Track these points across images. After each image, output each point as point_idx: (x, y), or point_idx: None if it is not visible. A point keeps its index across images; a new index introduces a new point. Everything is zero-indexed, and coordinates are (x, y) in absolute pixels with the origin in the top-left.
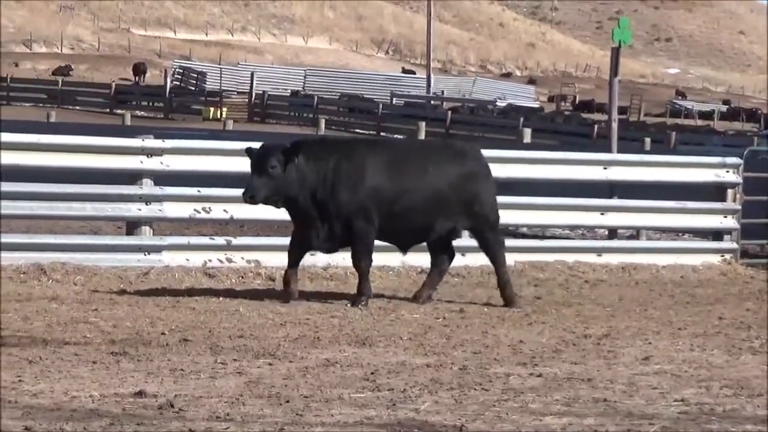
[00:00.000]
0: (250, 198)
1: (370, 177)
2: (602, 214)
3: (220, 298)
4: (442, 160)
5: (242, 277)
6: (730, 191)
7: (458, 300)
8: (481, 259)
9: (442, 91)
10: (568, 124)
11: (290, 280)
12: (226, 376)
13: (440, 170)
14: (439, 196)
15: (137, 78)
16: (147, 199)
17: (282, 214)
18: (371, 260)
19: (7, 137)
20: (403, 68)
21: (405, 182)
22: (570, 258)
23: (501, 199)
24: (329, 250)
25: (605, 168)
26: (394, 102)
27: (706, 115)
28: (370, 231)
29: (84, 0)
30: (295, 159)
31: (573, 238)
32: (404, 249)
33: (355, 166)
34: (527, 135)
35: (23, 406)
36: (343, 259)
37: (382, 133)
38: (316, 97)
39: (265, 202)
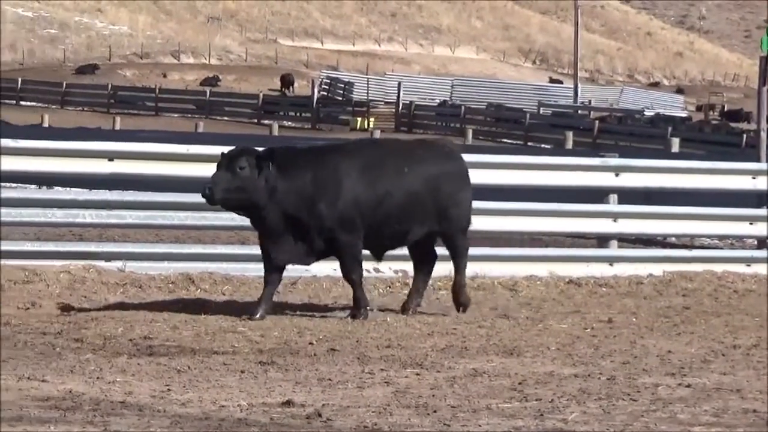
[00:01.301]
0: (208, 190)
1: (350, 186)
2: (751, 223)
3: (367, 308)
4: (418, 161)
5: (389, 287)
6: None
7: (606, 310)
8: (630, 269)
9: (590, 101)
10: (717, 134)
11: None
12: (373, 386)
13: (416, 172)
14: (416, 199)
15: (285, 89)
16: None
17: None
18: (362, 270)
19: (160, 148)
20: (550, 78)
21: (383, 187)
22: (719, 268)
23: (650, 209)
24: (304, 264)
25: (754, 177)
26: (541, 112)
27: None
28: (357, 241)
29: (232, 11)
30: (269, 165)
31: (722, 248)
32: (379, 256)
33: (333, 175)
34: (675, 144)
35: (172, 415)
36: (490, 269)
37: (529, 143)
38: (463, 107)
39: (225, 204)
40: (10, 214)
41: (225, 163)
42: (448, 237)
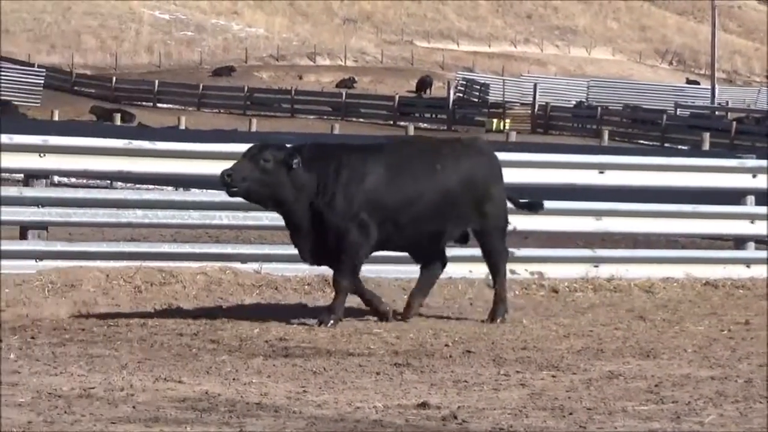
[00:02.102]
0: (227, 177)
1: (368, 185)
2: None
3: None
4: (450, 159)
5: (525, 289)
6: None
7: (743, 312)
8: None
9: (727, 102)
10: None
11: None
12: (509, 388)
13: (449, 170)
14: (448, 198)
15: (422, 92)
16: None
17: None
18: (354, 278)
19: None
20: (687, 79)
21: (410, 187)
22: None
23: None
24: (317, 264)
25: None
26: (678, 113)
27: None
28: (362, 246)
29: (368, 13)
30: (296, 162)
31: None
32: (418, 258)
33: (354, 173)
34: None
35: (307, 417)
36: (626, 270)
37: (665, 144)
38: (599, 108)
39: (244, 194)
40: (147, 216)
41: (249, 154)
42: (482, 237)
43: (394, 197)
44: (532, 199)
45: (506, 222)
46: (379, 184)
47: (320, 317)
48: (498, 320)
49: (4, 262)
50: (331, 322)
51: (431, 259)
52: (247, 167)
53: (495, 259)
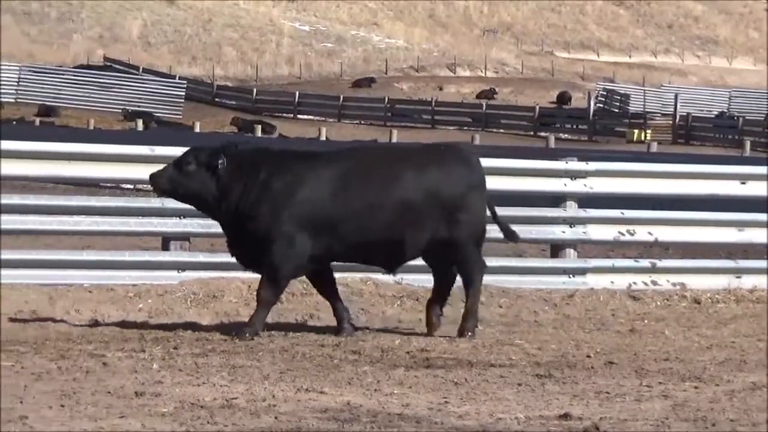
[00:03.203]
0: (150, 179)
1: (300, 196)
2: None
3: (645, 321)
4: (411, 166)
5: (667, 300)
6: None
7: None
8: None
9: None
10: None
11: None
12: (651, 399)
13: (408, 178)
14: (404, 207)
15: (560, 105)
16: (571, 222)
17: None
18: (277, 292)
19: None
20: None
21: (354, 198)
22: None
23: None
24: (248, 269)
25: None
26: None
27: None
28: (288, 259)
29: (508, 24)
30: (218, 164)
31: None
32: (389, 269)
33: (285, 182)
34: None
35: (449, 428)
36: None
37: None
38: (740, 119)
39: (167, 193)
40: None
41: (178, 158)
42: (453, 246)
43: (333, 208)
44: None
45: (482, 231)
46: (315, 194)
47: (237, 330)
48: (467, 334)
49: (147, 273)
50: (247, 335)
51: (443, 268)
52: (170, 169)
53: (467, 270)
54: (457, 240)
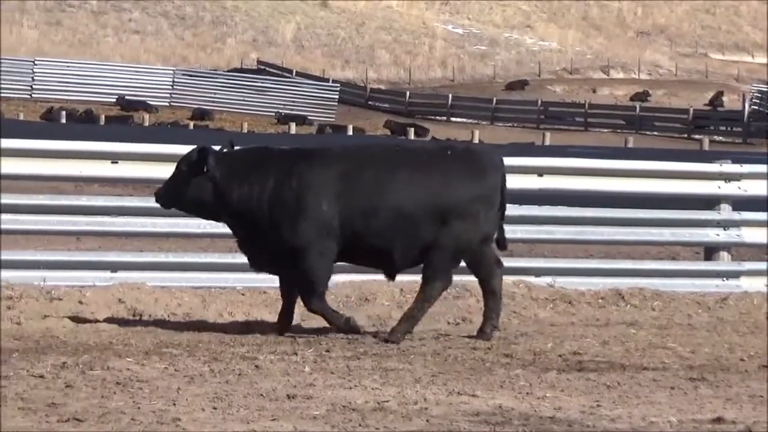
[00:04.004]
0: (155, 195)
1: (315, 198)
2: None
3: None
4: (405, 168)
5: None
6: None
7: None
8: None
9: None
10: None
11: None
12: None
13: (407, 181)
14: (396, 210)
15: (714, 107)
16: (725, 225)
17: None
18: (323, 292)
19: (589, 163)
20: None
21: (361, 199)
22: None
23: None
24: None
25: None
26: None
27: None
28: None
29: (662, 26)
30: (206, 166)
31: None
32: (389, 275)
33: (299, 184)
34: None
35: (601, 431)
36: None
37: None
38: None
39: (167, 206)
40: None
41: (176, 166)
42: (433, 249)
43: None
44: None
45: (467, 239)
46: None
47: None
48: (394, 338)
49: None
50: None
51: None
52: (166, 184)
53: (430, 273)
54: (439, 244)
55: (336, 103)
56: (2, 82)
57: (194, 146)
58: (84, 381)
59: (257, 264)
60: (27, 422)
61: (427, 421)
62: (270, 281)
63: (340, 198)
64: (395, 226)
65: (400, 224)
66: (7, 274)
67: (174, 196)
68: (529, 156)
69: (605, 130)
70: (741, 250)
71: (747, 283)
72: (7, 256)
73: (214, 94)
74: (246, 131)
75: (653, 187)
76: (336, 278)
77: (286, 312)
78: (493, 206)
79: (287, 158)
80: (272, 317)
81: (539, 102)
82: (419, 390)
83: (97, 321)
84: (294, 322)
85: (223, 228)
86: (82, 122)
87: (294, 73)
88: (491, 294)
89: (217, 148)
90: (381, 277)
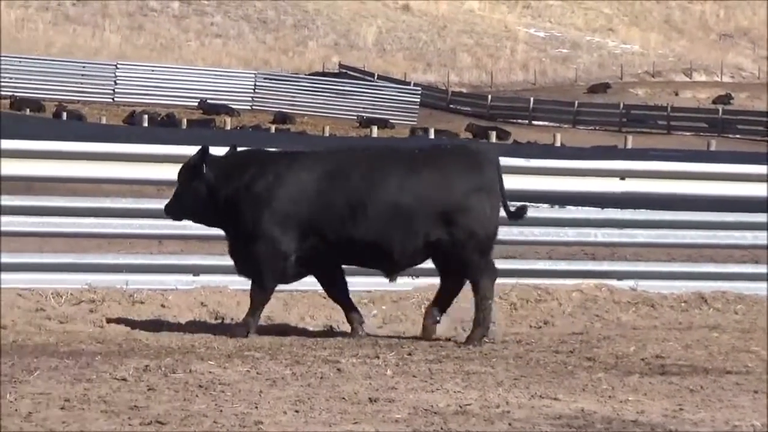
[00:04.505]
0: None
1: (284, 197)
2: None
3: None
4: (401, 168)
5: None
6: None
7: None
8: None
9: None
10: None
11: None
12: None
13: (395, 179)
14: (389, 209)
15: None
16: None
17: None
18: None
19: (671, 166)
20: None
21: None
22: None
23: None
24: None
25: None
26: None
27: None
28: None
29: (744, 28)
30: (199, 174)
31: None
32: (391, 274)
33: (269, 184)
34: None
35: None
36: None
37: None
38: None
39: (183, 218)
40: (522, 233)
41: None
42: (453, 248)
43: (315, 210)
44: None
45: (484, 233)
46: (297, 195)
47: (231, 330)
48: (474, 344)
49: (381, 279)
50: (241, 332)
51: (447, 273)
52: (172, 199)
53: (470, 275)
54: (453, 244)
55: (417, 107)
56: (85, 85)
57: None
58: (166, 384)
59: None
60: (110, 425)
61: (510, 424)
62: (353, 284)
63: (318, 197)
64: (380, 225)
65: (386, 223)
66: (90, 278)
67: (180, 208)
68: (611, 159)
69: (687, 134)
70: None
71: None
72: (90, 259)
73: (296, 97)
74: (327, 134)
75: (736, 190)
76: (418, 281)
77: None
78: (492, 201)
79: (271, 158)
80: None
81: (621, 105)
82: (501, 393)
83: (179, 324)
84: (375, 326)
85: None
86: (164, 126)
87: (376, 77)
88: (483, 299)
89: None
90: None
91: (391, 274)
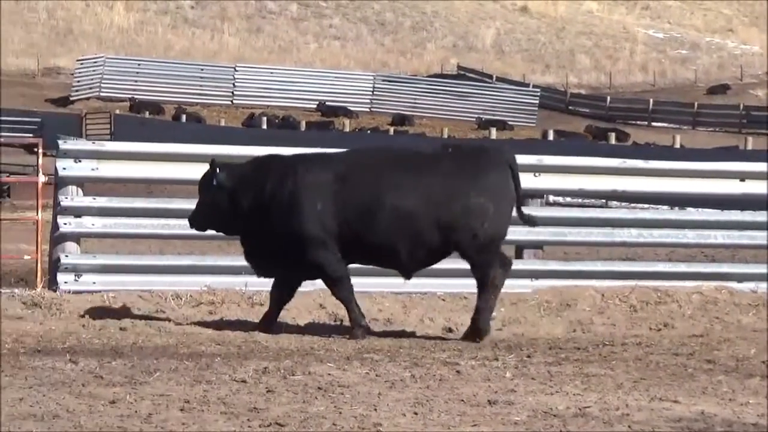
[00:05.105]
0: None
1: (312, 200)
2: None
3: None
4: (409, 170)
5: None
6: None
7: None
8: None
9: None
10: None
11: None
12: None
13: (404, 182)
14: (396, 211)
15: None
16: None
17: None
18: (349, 288)
19: None
20: None
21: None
22: None
23: None
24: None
25: None
26: None
27: None
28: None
29: None
30: (213, 181)
31: None
32: (406, 274)
33: (296, 187)
34: None
35: None
36: None
37: None
38: None
39: (207, 229)
40: (641, 235)
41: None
42: (463, 251)
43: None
44: None
45: (486, 234)
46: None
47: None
48: (476, 339)
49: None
50: (359, 334)
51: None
52: (195, 209)
53: (476, 273)
54: (456, 246)
55: (536, 108)
56: (204, 88)
57: None
58: (285, 386)
59: (263, 269)
60: (229, 427)
61: (629, 427)
62: (472, 287)
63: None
64: (397, 225)
65: (402, 224)
66: (210, 279)
67: (204, 219)
68: (731, 161)
69: None
70: None
71: None
72: (210, 261)
73: (415, 99)
74: (446, 136)
75: None
76: (537, 283)
77: (273, 316)
78: (497, 202)
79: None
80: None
81: (741, 106)
82: (621, 396)
83: (298, 326)
84: (495, 328)
85: None
86: (283, 128)
87: (494, 78)
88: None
89: None
90: (581, 282)
91: (405, 275)
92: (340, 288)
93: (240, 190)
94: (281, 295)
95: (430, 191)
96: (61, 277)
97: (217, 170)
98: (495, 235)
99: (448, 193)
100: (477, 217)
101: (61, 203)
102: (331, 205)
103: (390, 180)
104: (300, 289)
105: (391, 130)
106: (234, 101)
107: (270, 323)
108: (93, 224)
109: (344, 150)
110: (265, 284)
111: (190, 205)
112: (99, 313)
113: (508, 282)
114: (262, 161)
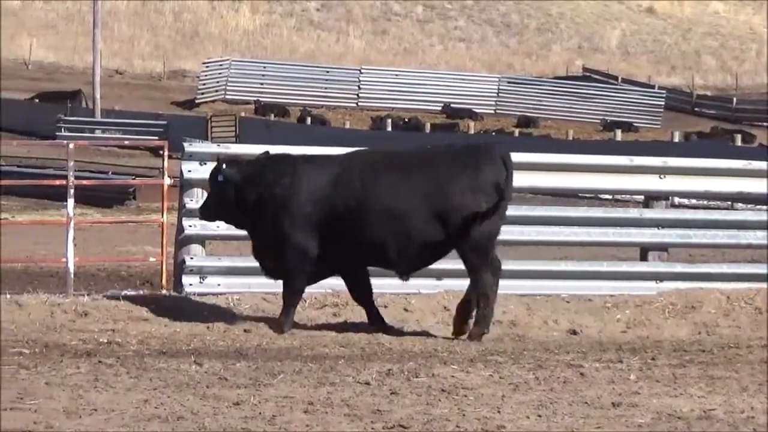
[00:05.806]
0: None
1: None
2: None
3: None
4: (404, 171)
5: None
6: None
7: None
8: None
9: None
10: None
11: None
12: None
13: (399, 182)
14: (394, 213)
15: None
16: None
17: None
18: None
19: None
20: None
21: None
22: None
23: None
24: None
25: None
26: None
27: None
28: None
29: None
30: (218, 177)
31: None
32: (401, 274)
33: (293, 184)
34: None
35: None
36: None
37: None
38: None
39: (216, 220)
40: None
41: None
42: (461, 253)
43: (326, 211)
44: None
45: (479, 232)
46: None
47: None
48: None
49: (625, 284)
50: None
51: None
52: (204, 201)
53: (470, 273)
54: (450, 244)
55: (661, 110)
56: (329, 90)
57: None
58: (409, 388)
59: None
60: (353, 429)
61: (754, 430)
62: (596, 289)
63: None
64: (390, 225)
65: (394, 223)
66: (334, 282)
67: (212, 210)
68: None
69: None
70: None
71: None
72: None
73: (540, 101)
74: (571, 138)
75: None
76: (662, 285)
77: (375, 313)
78: (490, 200)
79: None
80: (598, 325)
81: None
82: (746, 399)
83: (422, 328)
84: (619, 330)
85: (545, 236)
86: (408, 130)
87: (619, 80)
88: (483, 296)
89: None
90: (707, 284)
91: (401, 275)
92: (290, 293)
93: (244, 187)
94: (362, 294)
95: (424, 189)
96: (186, 280)
97: (223, 165)
98: (490, 232)
99: (444, 190)
100: (468, 215)
101: (186, 205)
102: (324, 205)
103: (385, 179)
104: (424, 291)
105: (516, 132)
106: (359, 103)
107: (377, 321)
108: (218, 226)
109: (346, 151)
110: (390, 286)
111: None
112: (224, 315)
113: (633, 284)
114: (266, 159)
